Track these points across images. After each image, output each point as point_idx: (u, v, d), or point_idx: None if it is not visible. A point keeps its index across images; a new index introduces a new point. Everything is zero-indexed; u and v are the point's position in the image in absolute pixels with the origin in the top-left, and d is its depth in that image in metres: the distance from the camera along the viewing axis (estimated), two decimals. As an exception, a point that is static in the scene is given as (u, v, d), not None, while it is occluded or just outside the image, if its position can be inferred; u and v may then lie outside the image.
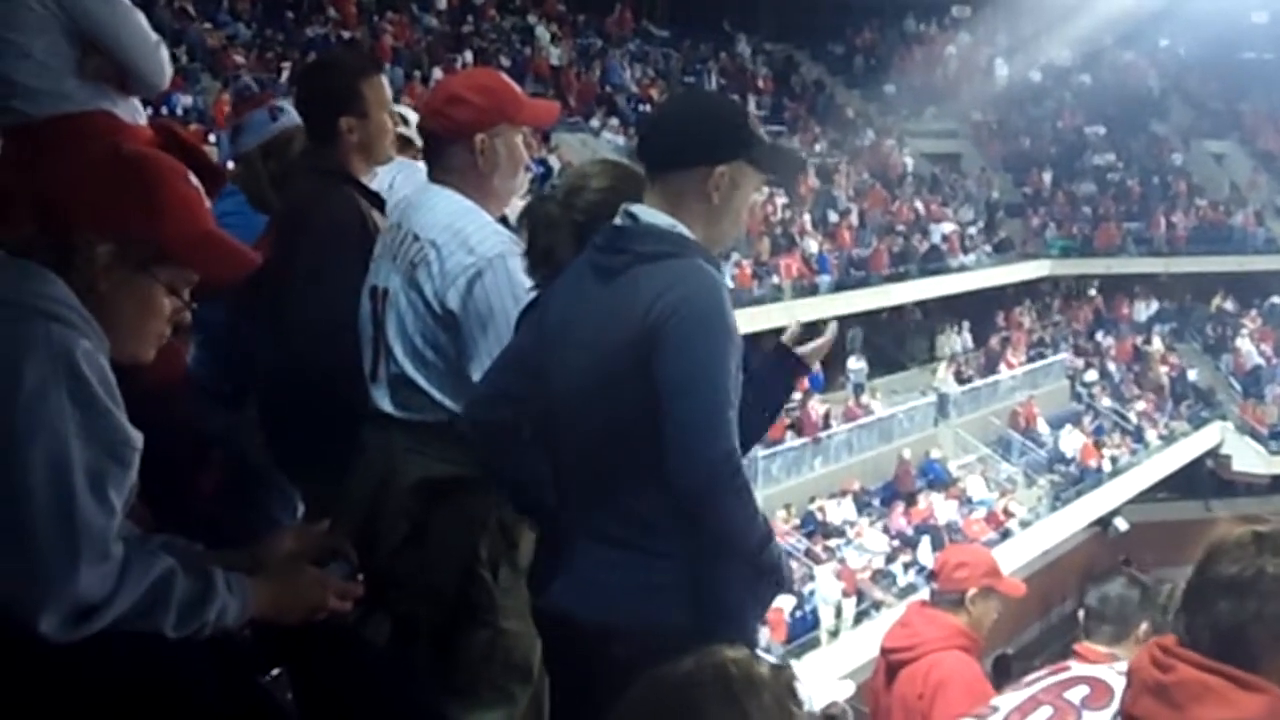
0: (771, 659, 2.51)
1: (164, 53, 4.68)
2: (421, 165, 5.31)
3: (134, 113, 4.64)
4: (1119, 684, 4.03)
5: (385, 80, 5.10)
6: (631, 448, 3.66)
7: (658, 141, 3.92)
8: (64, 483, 2.84)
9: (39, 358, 2.86)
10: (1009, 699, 4.17)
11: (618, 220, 3.82)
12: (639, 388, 3.59)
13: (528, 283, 4.27)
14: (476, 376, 4.31)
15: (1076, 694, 4.01)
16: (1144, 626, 5.42)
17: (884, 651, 6.10)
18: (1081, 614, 5.62)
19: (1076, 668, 4.22)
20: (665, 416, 3.54)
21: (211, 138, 27.53)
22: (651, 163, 3.89)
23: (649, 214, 3.78)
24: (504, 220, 4.63)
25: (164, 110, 27.80)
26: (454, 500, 4.41)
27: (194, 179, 3.29)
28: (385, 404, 4.53)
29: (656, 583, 3.65)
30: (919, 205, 44.62)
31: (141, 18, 4.67)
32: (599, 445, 3.75)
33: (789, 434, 33.10)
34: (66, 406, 2.87)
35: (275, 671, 4.35)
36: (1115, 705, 3.93)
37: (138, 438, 3.02)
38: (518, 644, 4.39)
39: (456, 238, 4.38)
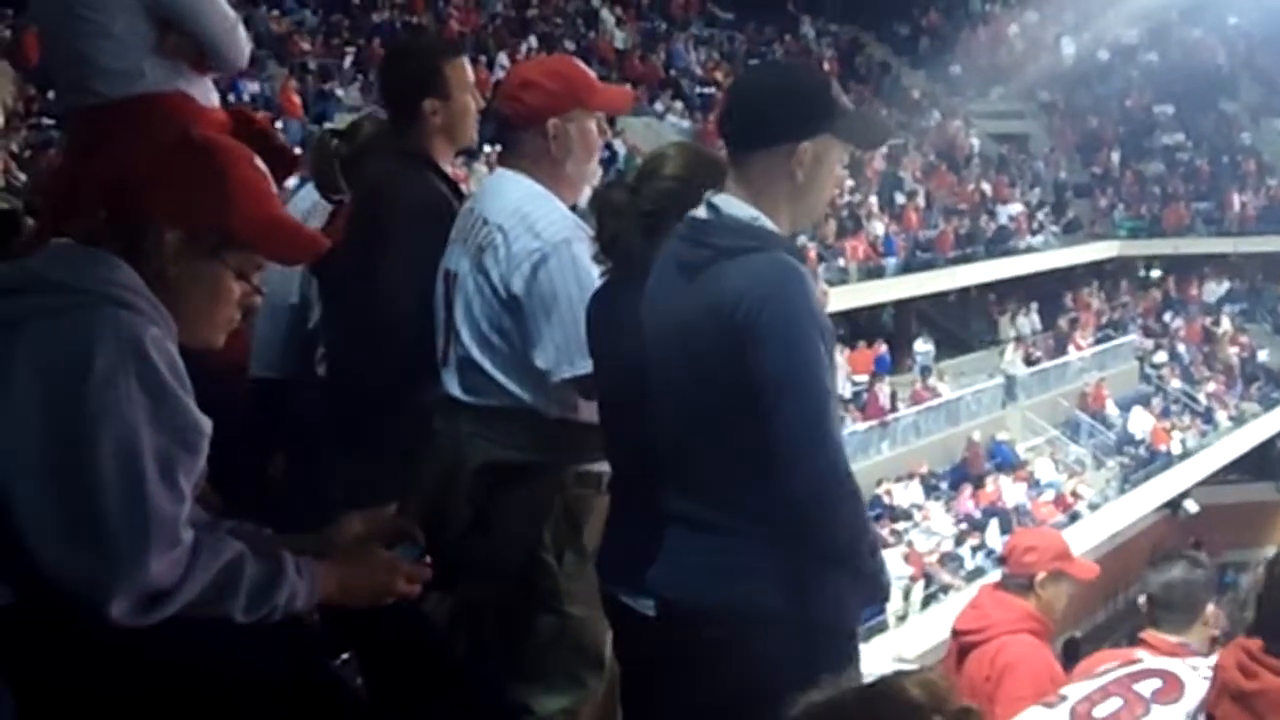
0: (965, 703, 2.33)
1: (242, 32, 4.69)
2: None
3: (207, 93, 4.66)
4: (1191, 678, 3.99)
5: (466, 63, 5.10)
6: (723, 440, 3.63)
7: (737, 122, 3.81)
8: (134, 470, 2.85)
9: (109, 345, 2.87)
10: (1078, 688, 4.14)
11: (700, 211, 3.75)
12: (729, 384, 3.56)
13: (594, 269, 4.26)
14: (539, 362, 4.32)
15: (1147, 687, 3.98)
16: (1210, 609, 5.35)
17: (955, 633, 6.08)
18: (1143, 601, 5.54)
19: (1149, 660, 4.19)
20: (769, 419, 3.50)
21: (279, 124, 27.73)
22: (733, 144, 3.80)
23: (730, 205, 3.70)
24: (573, 208, 4.62)
25: (230, 97, 27.94)
26: (518, 486, 4.41)
27: (261, 163, 3.29)
28: (454, 388, 4.54)
29: (748, 566, 3.61)
30: (986, 186, 44.43)
31: None
32: (691, 435, 3.70)
33: (856, 416, 33.04)
34: (136, 394, 2.88)
35: (345, 655, 4.37)
36: (1186, 700, 3.90)
37: (206, 423, 3.03)
38: (585, 629, 4.39)
39: (523, 222, 4.39)
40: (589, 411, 4.35)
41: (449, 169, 5.06)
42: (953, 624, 6.13)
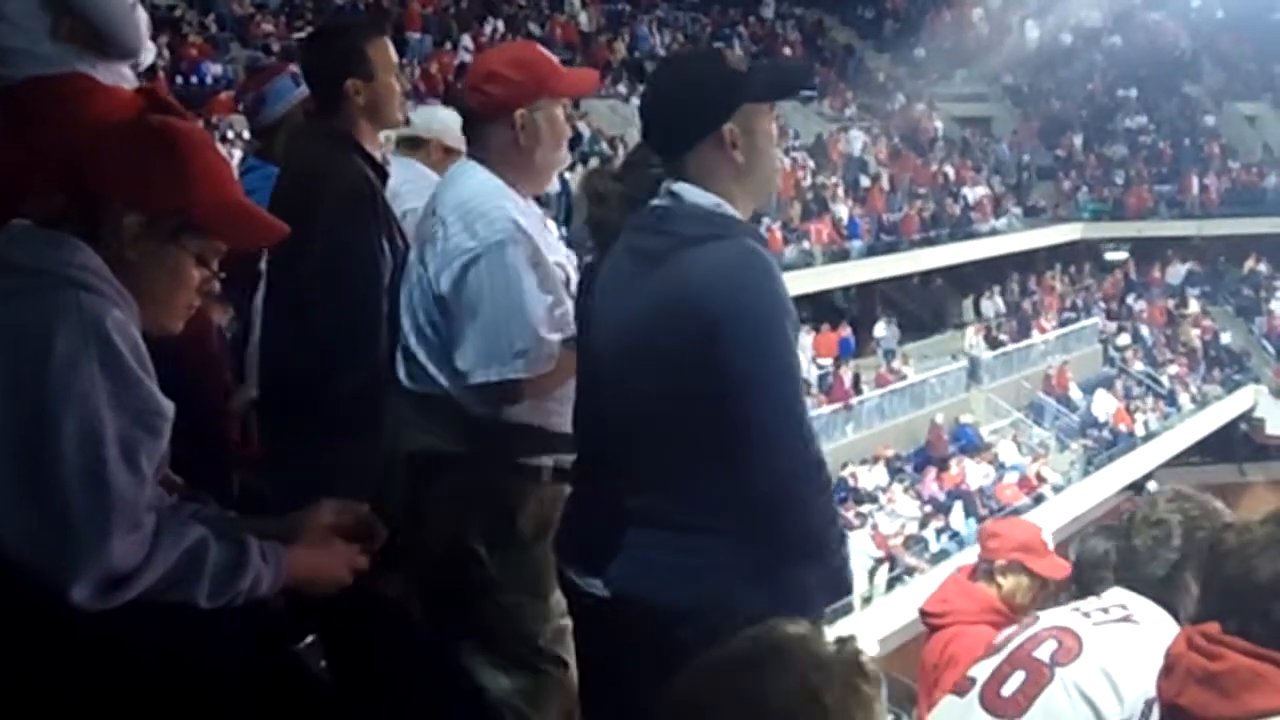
0: (838, 633, 2.45)
1: (140, 15, 4.62)
2: (422, 168, 5.37)
3: (119, 78, 4.59)
4: (1084, 627, 4.01)
5: (390, 43, 5.05)
6: (686, 434, 3.59)
7: (657, 133, 3.81)
8: (96, 453, 2.84)
9: (70, 328, 2.86)
10: (985, 667, 4.14)
11: (660, 200, 3.72)
12: (694, 376, 3.52)
13: (530, 273, 4.28)
14: (459, 363, 4.31)
15: (1045, 651, 3.99)
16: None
17: (921, 614, 6.08)
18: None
19: (1043, 618, 4.19)
20: (739, 415, 3.47)
21: (241, 107, 27.60)
22: (664, 153, 3.79)
23: (693, 193, 3.67)
24: (539, 200, 4.60)
25: (193, 79, 27.85)
26: (444, 475, 4.39)
27: (220, 149, 3.27)
28: (399, 373, 4.54)
29: (718, 564, 3.58)
30: (950, 169, 44.53)
31: None
32: (653, 430, 3.66)
33: (820, 400, 33.10)
34: (97, 377, 2.86)
35: (308, 639, 4.36)
36: (1087, 654, 3.92)
37: (169, 407, 3.01)
38: (523, 616, 4.38)
39: (464, 219, 4.36)
40: (519, 413, 4.37)
41: (376, 151, 5.01)
42: (922, 604, 6.12)
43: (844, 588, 3.84)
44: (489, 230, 4.33)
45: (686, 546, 3.62)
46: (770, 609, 3.51)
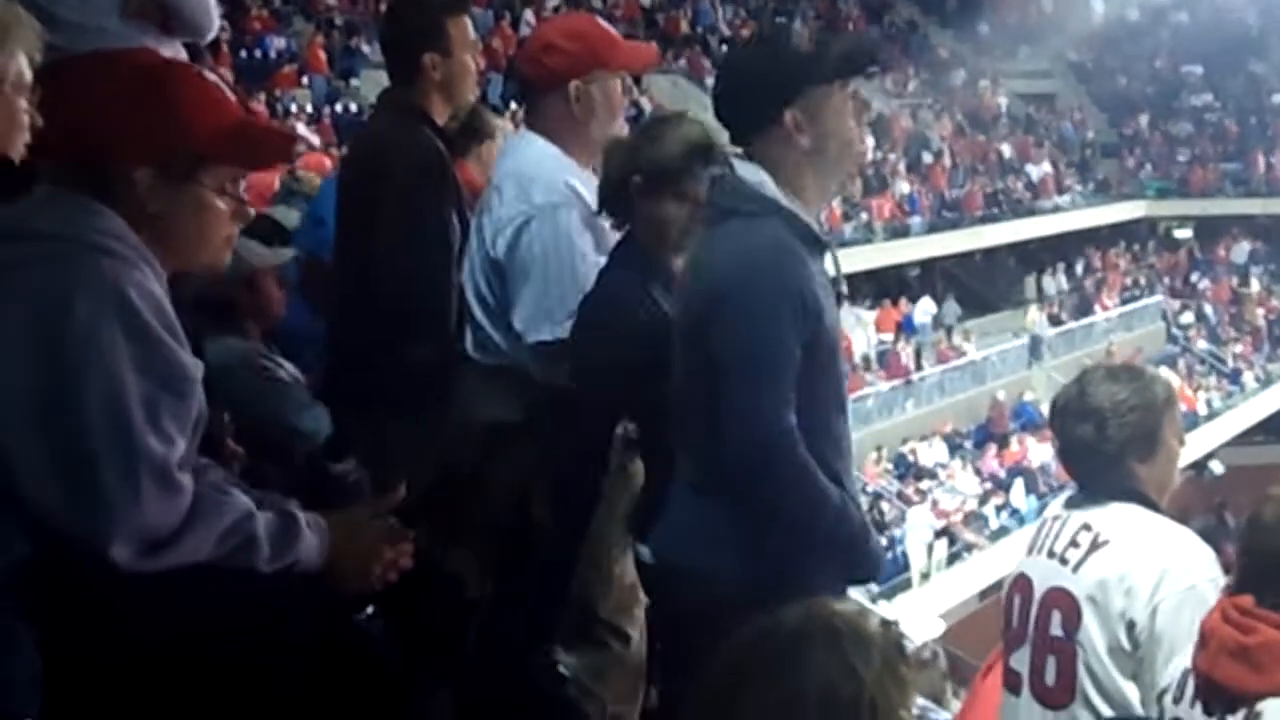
0: (881, 614, 2.53)
1: None
2: None
3: (176, 55, 4.61)
4: (1068, 579, 4.03)
5: (470, 21, 5.06)
6: (702, 403, 3.64)
7: (727, 121, 3.84)
8: (120, 414, 2.84)
9: (91, 293, 2.86)
10: (1021, 659, 4.16)
11: (718, 169, 3.83)
12: (707, 350, 3.61)
13: (583, 238, 4.28)
14: (516, 323, 4.32)
15: (1056, 623, 4.02)
16: None
17: None
18: None
19: (1034, 580, 4.18)
20: (716, 389, 3.56)
21: (304, 80, 27.59)
22: (735, 141, 3.84)
23: (743, 167, 3.73)
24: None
25: (256, 53, 27.91)
26: (507, 447, 4.40)
27: (211, 75, 3.25)
28: (468, 345, 4.56)
29: (738, 529, 3.64)
30: (1013, 146, 44.25)
31: None
32: (683, 396, 3.75)
33: (880, 375, 33.00)
34: (119, 340, 2.86)
35: (369, 609, 4.39)
36: (1086, 621, 3.94)
37: (195, 368, 3.01)
38: (587, 589, 4.38)
39: (519, 184, 4.38)
40: None
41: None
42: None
43: (866, 570, 3.89)
44: (543, 194, 4.37)
45: (708, 508, 3.70)
46: (783, 583, 3.51)
